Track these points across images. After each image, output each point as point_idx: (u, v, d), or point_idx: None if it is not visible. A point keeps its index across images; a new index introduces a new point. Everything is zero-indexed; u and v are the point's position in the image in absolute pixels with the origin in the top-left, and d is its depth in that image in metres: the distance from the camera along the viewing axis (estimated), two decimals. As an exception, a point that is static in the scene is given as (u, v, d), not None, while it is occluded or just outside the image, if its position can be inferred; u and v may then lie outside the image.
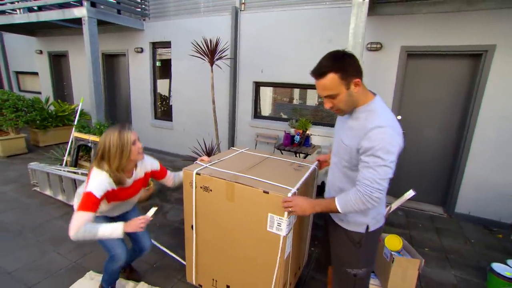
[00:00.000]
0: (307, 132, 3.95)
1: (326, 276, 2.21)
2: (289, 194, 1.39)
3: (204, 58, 3.88)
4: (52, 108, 6.04)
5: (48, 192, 3.44)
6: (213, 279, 1.82)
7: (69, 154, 3.74)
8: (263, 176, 1.61)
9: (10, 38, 7.71)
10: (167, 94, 5.65)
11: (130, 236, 1.85)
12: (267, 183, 1.52)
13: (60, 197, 3.31)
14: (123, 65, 5.93)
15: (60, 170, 3.26)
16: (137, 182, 1.73)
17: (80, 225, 1.38)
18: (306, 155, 3.76)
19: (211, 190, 1.63)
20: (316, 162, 1.88)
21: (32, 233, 2.66)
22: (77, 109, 3.97)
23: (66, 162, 3.80)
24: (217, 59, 3.90)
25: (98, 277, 2.03)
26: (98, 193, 1.46)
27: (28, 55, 7.47)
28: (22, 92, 8.06)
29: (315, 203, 1.28)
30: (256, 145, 4.50)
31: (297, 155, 3.93)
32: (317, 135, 4.05)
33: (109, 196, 1.57)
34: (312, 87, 4.14)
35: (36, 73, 7.58)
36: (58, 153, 4.09)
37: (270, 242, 1.49)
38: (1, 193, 3.48)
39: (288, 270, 1.65)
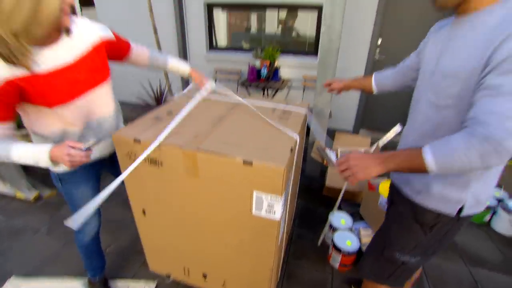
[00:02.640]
0: (276, 64, 3.33)
1: (314, 232, 1.97)
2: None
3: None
4: None
5: None
6: (184, 268, 1.42)
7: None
8: (238, 135, 1.08)
9: None
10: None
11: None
12: (247, 146, 1.00)
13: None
14: None
15: None
16: (86, 59, 1.00)
17: None
18: (276, 90, 3.23)
19: (161, 164, 1.08)
20: (305, 109, 1.37)
21: None
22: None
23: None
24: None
25: (29, 285, 1.52)
26: None
27: None
28: None
29: (386, 157, 0.74)
30: (215, 82, 3.78)
31: (265, 91, 3.38)
32: (286, 66, 3.46)
33: (32, 92, 0.88)
34: (279, 5, 3.35)
35: None
36: None
37: (258, 228, 1.06)
38: None
39: (282, 251, 1.29)
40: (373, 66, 3.19)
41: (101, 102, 1.10)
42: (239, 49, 3.77)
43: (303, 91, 3.46)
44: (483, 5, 0.71)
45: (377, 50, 3.16)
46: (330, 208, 2.03)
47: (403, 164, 0.72)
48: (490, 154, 0.60)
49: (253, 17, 3.61)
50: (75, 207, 1.16)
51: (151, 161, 1.08)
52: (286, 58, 3.44)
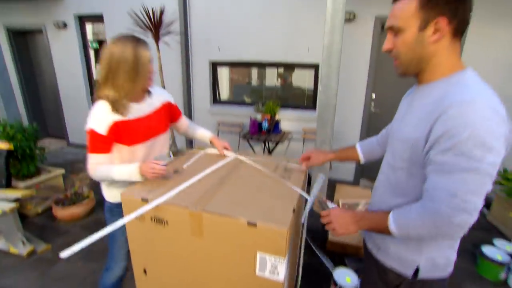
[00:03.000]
0: (276, 117, 3.51)
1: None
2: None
3: (147, 34, 3.12)
4: None
5: None
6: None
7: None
8: (243, 195, 1.11)
9: None
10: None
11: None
12: (251, 207, 1.03)
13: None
14: (42, 45, 4.73)
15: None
16: (157, 113, 1.40)
17: (94, 170, 1.23)
18: (277, 143, 3.34)
19: (167, 223, 1.09)
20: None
21: None
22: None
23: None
24: (165, 35, 3.17)
25: None
26: (100, 129, 1.20)
27: None
28: None
29: (360, 217, 0.84)
30: (218, 135, 3.94)
31: (266, 143, 3.50)
32: (286, 119, 3.64)
33: (123, 132, 1.25)
34: (278, 65, 3.66)
35: None
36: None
37: (262, 291, 1.03)
38: None
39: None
40: (369, 118, 3.35)
41: (161, 144, 1.45)
42: (241, 103, 4.01)
43: (303, 143, 3.58)
44: (434, 78, 0.77)
45: (372, 104, 3.36)
46: (334, 263, 1.95)
47: (373, 226, 0.82)
48: (442, 227, 0.67)
49: (254, 73, 3.92)
50: (113, 239, 1.45)
51: (157, 220, 1.10)
52: (286, 112, 3.64)
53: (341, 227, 0.84)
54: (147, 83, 1.29)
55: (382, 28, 3.02)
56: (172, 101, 1.53)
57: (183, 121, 1.63)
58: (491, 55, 2.79)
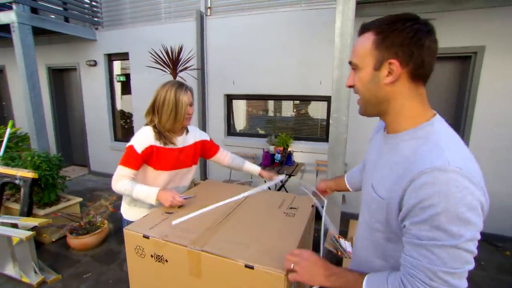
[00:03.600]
0: (289, 149, 3.51)
1: None
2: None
3: (166, 70, 3.34)
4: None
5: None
6: None
7: (-6, 193, 2.94)
8: (244, 234, 1.09)
9: None
10: (132, 112, 4.96)
11: None
12: (250, 248, 1.00)
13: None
14: (74, 80, 5.17)
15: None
16: (187, 149, 1.57)
17: (117, 180, 1.37)
18: (290, 175, 3.30)
19: (166, 261, 1.08)
20: (312, 202, 1.40)
21: None
22: (5, 136, 3.19)
23: (-8, 204, 2.99)
24: (181, 70, 3.38)
25: None
26: (139, 147, 1.39)
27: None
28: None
29: (332, 272, 0.74)
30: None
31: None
32: (299, 151, 3.62)
33: (155, 156, 1.44)
34: (291, 98, 3.74)
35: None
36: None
37: None
38: None
39: None
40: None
41: (183, 177, 1.60)
42: (255, 134, 4.08)
43: (316, 175, 3.51)
44: (400, 128, 0.72)
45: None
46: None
47: (344, 286, 0.73)
48: None
49: (268, 105, 4.01)
50: None
51: (157, 257, 1.09)
52: (299, 143, 3.64)
53: (307, 273, 0.75)
54: (185, 122, 1.49)
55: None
56: (208, 138, 1.71)
57: (223, 154, 1.78)
58: (509, 88, 2.71)
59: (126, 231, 1.14)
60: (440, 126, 0.68)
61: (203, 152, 1.70)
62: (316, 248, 2.30)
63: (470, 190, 0.56)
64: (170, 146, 1.48)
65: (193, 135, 1.63)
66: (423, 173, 0.59)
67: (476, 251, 0.58)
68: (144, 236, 1.09)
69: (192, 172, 1.65)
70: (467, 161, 0.60)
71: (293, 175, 3.26)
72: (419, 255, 0.60)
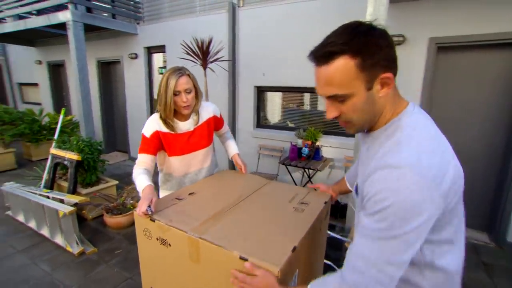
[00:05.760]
0: (317, 143, 3.39)
1: None
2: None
3: (196, 61, 3.42)
4: (47, 119, 5.77)
5: (20, 217, 3.03)
6: None
7: (48, 172, 3.34)
8: (245, 226, 1.08)
9: (12, 50, 7.61)
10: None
11: None
12: (248, 240, 0.99)
13: (31, 224, 2.89)
14: (119, 72, 5.59)
15: (32, 192, 2.85)
16: (199, 129, 1.54)
17: (135, 167, 1.40)
18: (316, 171, 3.19)
19: (170, 245, 1.12)
20: (327, 198, 1.34)
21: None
22: (59, 122, 3.57)
23: (46, 181, 3.41)
24: (212, 62, 3.43)
25: None
26: (147, 132, 1.42)
27: (29, 66, 7.31)
28: (25, 104, 7.92)
29: None
30: (259, 158, 3.97)
31: (306, 171, 3.38)
32: (329, 146, 3.48)
33: (164, 144, 1.46)
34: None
35: (37, 84, 7.40)
36: (41, 170, 3.71)
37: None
38: (-30, 218, 3.12)
39: None
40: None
41: (200, 159, 1.58)
42: (284, 127, 4.01)
43: (345, 171, 3.35)
44: (376, 127, 0.75)
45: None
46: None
47: None
48: None
49: (299, 97, 3.90)
50: None
51: (162, 241, 1.13)
52: (329, 138, 3.50)
53: None
54: (181, 111, 1.45)
55: (438, 49, 2.73)
56: (218, 114, 1.65)
57: (222, 132, 1.77)
58: None
59: (135, 213, 1.20)
60: (407, 121, 0.69)
61: (214, 126, 1.66)
62: (333, 246, 2.19)
63: (419, 185, 0.58)
64: (177, 132, 1.48)
65: (206, 111, 1.58)
66: (378, 169, 0.63)
67: (417, 245, 0.61)
68: (151, 220, 1.14)
69: (210, 152, 1.63)
70: (426, 155, 0.62)
71: (320, 171, 3.14)
72: (360, 242, 0.65)
